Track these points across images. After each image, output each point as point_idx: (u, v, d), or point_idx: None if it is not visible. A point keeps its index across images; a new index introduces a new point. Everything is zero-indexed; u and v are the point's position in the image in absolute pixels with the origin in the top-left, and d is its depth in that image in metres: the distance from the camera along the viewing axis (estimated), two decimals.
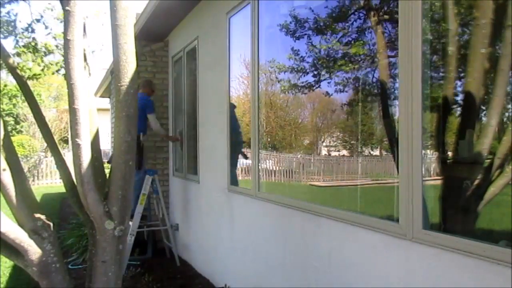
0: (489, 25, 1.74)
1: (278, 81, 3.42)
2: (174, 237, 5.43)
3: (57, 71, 9.90)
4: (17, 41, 8.96)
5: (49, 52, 9.51)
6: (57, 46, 9.53)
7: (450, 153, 1.98)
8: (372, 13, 2.40)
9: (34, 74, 9.50)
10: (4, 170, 2.05)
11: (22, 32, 8.92)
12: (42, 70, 9.58)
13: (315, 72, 2.97)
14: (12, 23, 8.71)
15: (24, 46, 9.00)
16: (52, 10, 9.43)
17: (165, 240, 5.55)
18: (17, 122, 24.97)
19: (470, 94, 1.85)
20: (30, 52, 9.11)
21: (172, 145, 5.97)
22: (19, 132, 24.17)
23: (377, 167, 2.62)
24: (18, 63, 8.91)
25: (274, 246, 3.13)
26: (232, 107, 4.03)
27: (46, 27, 9.42)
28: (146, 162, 5.48)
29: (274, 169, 3.66)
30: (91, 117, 2.36)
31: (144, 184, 5.08)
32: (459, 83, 1.95)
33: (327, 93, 2.91)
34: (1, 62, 2.66)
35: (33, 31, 9.05)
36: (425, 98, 1.84)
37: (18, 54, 9.06)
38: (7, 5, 8.28)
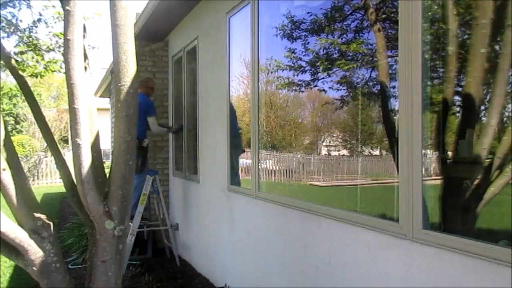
0: (489, 25, 1.74)
1: (277, 78, 3.42)
2: (174, 237, 5.43)
3: (58, 70, 9.92)
4: (20, 40, 8.99)
5: (49, 50, 9.53)
6: (57, 44, 9.54)
7: (450, 153, 1.98)
8: (372, 12, 2.40)
9: (37, 72, 9.52)
10: (4, 170, 2.05)
11: (24, 30, 8.94)
12: (45, 68, 9.61)
13: (315, 71, 2.97)
14: (14, 23, 8.72)
15: (26, 44, 9.03)
16: (53, 6, 9.43)
17: (165, 240, 5.55)
18: (17, 122, 24.98)
19: (470, 94, 1.85)
20: (31, 50, 9.14)
21: (172, 145, 5.97)
22: (19, 132, 24.19)
23: (377, 167, 2.62)
24: (19, 62, 8.93)
25: (274, 246, 3.13)
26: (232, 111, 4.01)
27: (47, 26, 9.42)
28: (147, 165, 5.46)
29: (274, 169, 3.67)
30: (91, 117, 2.36)
31: (145, 184, 5.07)
32: (459, 83, 1.95)
33: (325, 91, 2.91)
34: (1, 62, 2.66)
35: (32, 30, 9.07)
36: (425, 98, 1.84)
37: (21, 53, 9.08)
38: (9, 7, 8.29)
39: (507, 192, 1.67)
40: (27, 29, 9.07)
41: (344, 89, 2.76)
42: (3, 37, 8.71)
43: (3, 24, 8.53)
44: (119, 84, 2.18)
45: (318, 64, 2.92)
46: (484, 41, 1.77)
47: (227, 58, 3.91)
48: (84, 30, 2.31)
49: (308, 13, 2.94)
